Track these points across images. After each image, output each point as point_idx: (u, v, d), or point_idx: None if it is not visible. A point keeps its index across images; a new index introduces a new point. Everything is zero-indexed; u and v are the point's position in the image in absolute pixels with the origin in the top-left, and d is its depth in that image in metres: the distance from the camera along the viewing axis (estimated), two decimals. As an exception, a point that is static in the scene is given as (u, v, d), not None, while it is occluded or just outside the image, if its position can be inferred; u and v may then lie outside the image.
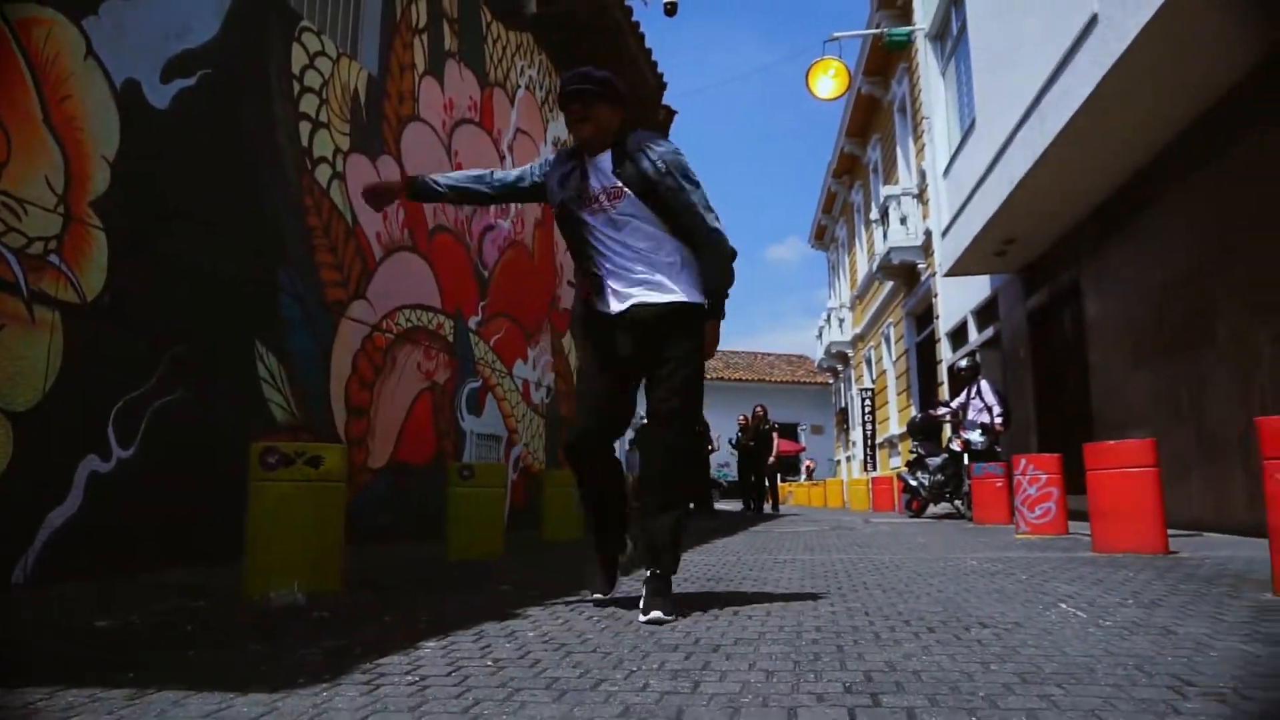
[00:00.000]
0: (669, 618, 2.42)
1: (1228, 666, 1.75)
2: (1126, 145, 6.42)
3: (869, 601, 2.81)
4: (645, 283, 2.65)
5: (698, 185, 2.70)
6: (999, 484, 7.45)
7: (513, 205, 8.43)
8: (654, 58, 10.70)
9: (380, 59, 6.21)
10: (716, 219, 2.72)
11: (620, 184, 2.64)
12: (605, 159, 2.69)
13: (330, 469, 3.11)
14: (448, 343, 6.91)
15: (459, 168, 7.32)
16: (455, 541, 4.87)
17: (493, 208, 7.98)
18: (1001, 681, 1.64)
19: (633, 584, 3.08)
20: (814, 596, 2.97)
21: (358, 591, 3.21)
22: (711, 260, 2.70)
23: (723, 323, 2.77)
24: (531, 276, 8.93)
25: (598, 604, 2.83)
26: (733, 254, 2.74)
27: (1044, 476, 5.90)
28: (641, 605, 2.51)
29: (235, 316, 4.51)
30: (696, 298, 2.68)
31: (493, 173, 2.97)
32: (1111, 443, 4.49)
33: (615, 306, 2.68)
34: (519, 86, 8.87)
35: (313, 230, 5.28)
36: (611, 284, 2.69)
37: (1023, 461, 6.03)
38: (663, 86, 11.21)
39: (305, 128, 5.26)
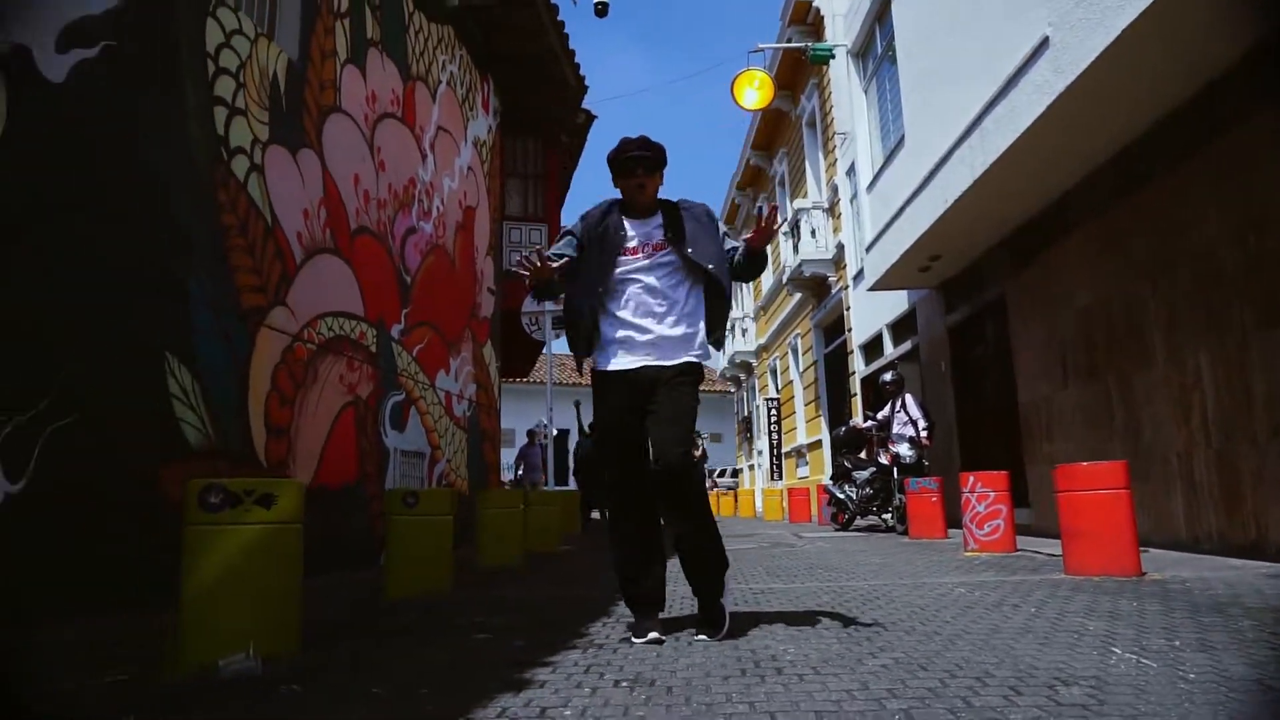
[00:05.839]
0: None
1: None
2: (1057, 169, 6.52)
3: (915, 650, 2.57)
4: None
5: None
6: (934, 499, 7.47)
7: (434, 205, 7.94)
8: (577, 59, 10.40)
9: (300, 43, 5.65)
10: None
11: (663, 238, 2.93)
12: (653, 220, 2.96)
13: (285, 509, 2.65)
14: (370, 353, 6.37)
15: (382, 166, 6.80)
16: (396, 576, 4.40)
17: (415, 207, 7.47)
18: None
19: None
20: (872, 644, 2.71)
21: (313, 649, 2.76)
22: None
23: None
24: (453, 283, 8.43)
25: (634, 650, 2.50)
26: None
27: (992, 494, 5.88)
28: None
29: (141, 326, 3.91)
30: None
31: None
32: (1084, 464, 4.44)
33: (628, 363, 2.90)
34: (440, 82, 8.37)
35: (228, 229, 4.71)
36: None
37: (971, 479, 6.01)
38: (584, 89, 10.91)
39: (221, 113, 4.68)
